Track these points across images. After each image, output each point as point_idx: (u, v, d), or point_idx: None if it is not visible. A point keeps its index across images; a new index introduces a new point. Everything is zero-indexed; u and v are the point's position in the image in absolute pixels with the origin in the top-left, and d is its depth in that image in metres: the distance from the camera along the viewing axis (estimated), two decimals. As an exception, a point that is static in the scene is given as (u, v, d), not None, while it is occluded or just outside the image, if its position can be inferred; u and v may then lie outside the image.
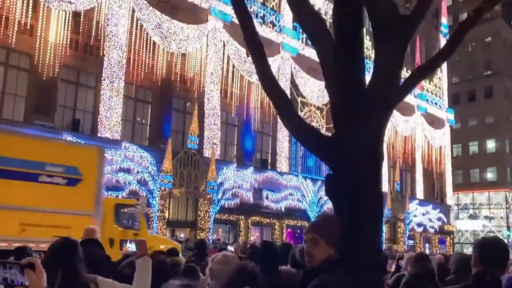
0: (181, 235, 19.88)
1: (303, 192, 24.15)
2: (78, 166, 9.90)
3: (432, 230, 33.02)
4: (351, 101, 2.78)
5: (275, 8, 24.69)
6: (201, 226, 19.67)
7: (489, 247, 2.63)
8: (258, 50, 3.08)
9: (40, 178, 9.14)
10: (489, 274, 2.46)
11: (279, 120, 23.77)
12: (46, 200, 9.16)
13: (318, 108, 26.43)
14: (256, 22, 23.12)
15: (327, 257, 2.17)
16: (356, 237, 2.48)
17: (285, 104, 2.96)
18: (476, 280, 2.50)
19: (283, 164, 23.86)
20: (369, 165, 2.71)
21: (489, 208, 47.43)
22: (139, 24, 18.36)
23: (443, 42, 40.11)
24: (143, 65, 18.49)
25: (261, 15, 23.89)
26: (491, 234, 46.24)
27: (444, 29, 40.40)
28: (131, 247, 10.41)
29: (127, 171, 17.40)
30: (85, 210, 9.63)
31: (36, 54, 15.54)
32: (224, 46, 21.51)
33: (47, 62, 15.68)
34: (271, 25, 24.22)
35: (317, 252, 2.19)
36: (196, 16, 20.46)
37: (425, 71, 3.30)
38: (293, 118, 2.95)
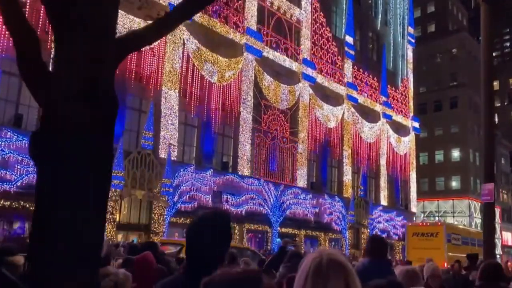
0: (135, 239, 19.03)
1: (265, 196, 23.67)
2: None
3: (395, 237, 33.07)
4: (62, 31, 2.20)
5: (239, 9, 24.33)
6: (155, 229, 18.88)
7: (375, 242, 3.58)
8: None
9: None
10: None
11: (241, 122, 23.42)
12: None
13: (282, 111, 26.11)
14: (218, 22, 22.76)
15: None
16: (55, 224, 1.92)
17: (31, 44, 2.35)
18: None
19: (244, 167, 23.33)
20: (84, 113, 2.08)
21: (453, 216, 48.19)
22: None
23: (409, 51, 40.76)
24: (95, 60, 17.69)
25: (224, 15, 23.47)
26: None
27: (411, 39, 41.02)
28: None
29: (74, 170, 16.50)
30: None
31: (-25, 43, 14.57)
32: (184, 44, 20.94)
33: (-13, 52, 14.73)
34: (234, 26, 23.82)
35: None
36: (154, 12, 19.81)
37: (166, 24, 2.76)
38: (35, 61, 2.34)
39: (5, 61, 15.51)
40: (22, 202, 15.24)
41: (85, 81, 2.12)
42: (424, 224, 23.46)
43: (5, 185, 14.68)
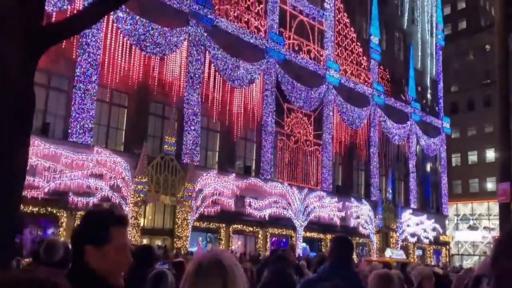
0: (159, 243, 19.29)
1: (289, 200, 23.50)
2: None
3: (426, 241, 32.12)
4: None
5: (260, 13, 24.36)
6: (179, 234, 19.08)
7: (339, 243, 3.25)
8: None
9: None
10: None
11: (263, 126, 23.38)
12: None
13: (305, 114, 25.90)
14: (240, 27, 22.90)
15: None
16: None
17: None
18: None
19: (267, 171, 23.27)
20: None
21: (489, 219, 46.36)
22: (114, 26, 18.03)
23: (439, 49, 39.62)
24: (118, 68, 18.12)
25: (246, 19, 23.56)
26: (491, 245, 45.16)
27: (440, 37, 39.90)
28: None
29: (99, 176, 16.91)
30: None
31: (4, 55, 15.20)
32: (205, 49, 21.14)
33: (15, 64, 15.33)
34: (256, 30, 23.86)
35: None
36: (176, 19, 20.13)
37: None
38: None
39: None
40: (49, 208, 15.76)
41: None
42: None
43: (33, 192, 15.18)
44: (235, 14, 23.07)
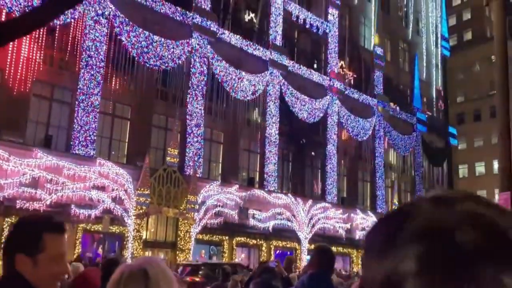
0: (161, 256, 19.13)
1: (293, 212, 23.28)
2: None
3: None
4: None
5: (263, 24, 24.44)
6: (181, 246, 18.92)
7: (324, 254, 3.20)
8: None
9: None
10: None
11: (267, 137, 23.33)
12: None
13: (309, 125, 25.76)
14: (243, 38, 22.94)
15: None
16: None
17: None
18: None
19: (271, 182, 23.12)
20: None
21: (498, 231, 45.68)
22: (117, 39, 18.16)
23: (444, 60, 39.51)
24: (122, 81, 18.20)
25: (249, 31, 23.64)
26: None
27: (445, 48, 39.84)
28: None
29: (102, 188, 16.88)
30: None
31: (7, 68, 15.34)
32: (208, 61, 21.21)
33: (18, 77, 15.45)
34: (259, 41, 23.93)
35: None
36: (179, 32, 20.26)
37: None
38: None
39: (36, 84, 16.23)
40: (51, 220, 15.67)
41: None
42: None
43: (35, 204, 15.16)
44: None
